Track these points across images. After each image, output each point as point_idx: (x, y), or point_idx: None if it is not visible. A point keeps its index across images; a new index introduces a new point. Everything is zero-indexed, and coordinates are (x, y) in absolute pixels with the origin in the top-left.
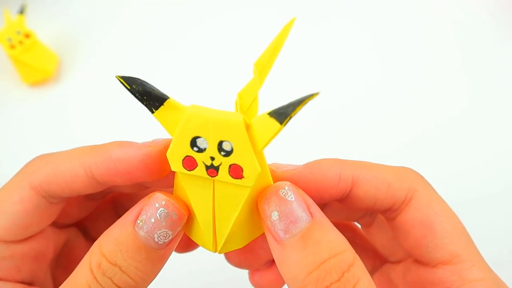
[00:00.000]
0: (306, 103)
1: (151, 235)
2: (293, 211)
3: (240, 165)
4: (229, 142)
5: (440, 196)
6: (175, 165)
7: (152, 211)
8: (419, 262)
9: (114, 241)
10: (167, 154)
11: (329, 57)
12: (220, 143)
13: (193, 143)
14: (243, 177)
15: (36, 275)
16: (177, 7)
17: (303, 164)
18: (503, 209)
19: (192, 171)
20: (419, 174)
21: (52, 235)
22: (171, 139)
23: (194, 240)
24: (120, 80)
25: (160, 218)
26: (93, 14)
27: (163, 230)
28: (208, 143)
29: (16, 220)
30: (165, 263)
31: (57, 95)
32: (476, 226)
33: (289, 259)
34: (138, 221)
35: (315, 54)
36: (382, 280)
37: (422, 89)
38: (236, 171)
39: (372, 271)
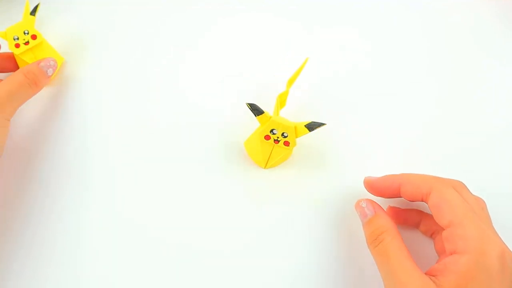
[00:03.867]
0: (320, 127)
1: (45, 69)
2: (364, 210)
3: (289, 141)
4: (287, 133)
5: (450, 189)
6: (261, 138)
7: (46, 61)
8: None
9: (31, 67)
10: (259, 134)
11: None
12: (282, 133)
13: (271, 131)
14: (289, 145)
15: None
16: (180, 8)
17: (380, 177)
18: None
19: (267, 141)
20: (438, 177)
21: None
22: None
23: (255, 162)
24: (248, 106)
25: (49, 63)
26: (100, 15)
27: (50, 69)
28: (278, 132)
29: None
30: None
31: (59, 96)
32: None
33: (364, 229)
34: (40, 64)
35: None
36: (439, 238)
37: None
38: (287, 143)
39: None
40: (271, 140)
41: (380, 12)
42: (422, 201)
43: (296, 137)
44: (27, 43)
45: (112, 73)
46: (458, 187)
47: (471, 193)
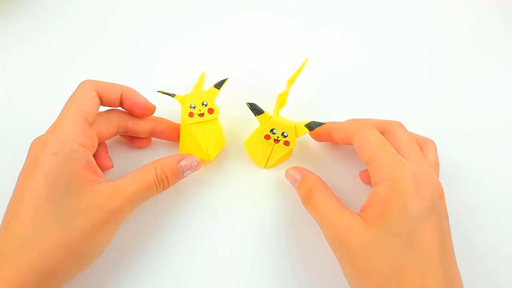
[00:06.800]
0: (320, 126)
1: (183, 170)
2: (293, 176)
3: (289, 141)
4: (287, 132)
5: (369, 129)
6: (261, 138)
7: (190, 160)
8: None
9: (168, 166)
10: (259, 134)
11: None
12: (282, 132)
13: (271, 130)
14: (289, 145)
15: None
16: (180, 8)
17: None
18: None
19: (267, 140)
20: (364, 120)
21: (96, 141)
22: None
23: (255, 161)
24: (248, 105)
25: (192, 164)
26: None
27: (188, 171)
28: (278, 131)
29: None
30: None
31: None
32: None
33: (298, 193)
34: (181, 163)
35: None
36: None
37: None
38: (287, 143)
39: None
40: (271, 140)
41: (380, 12)
42: (350, 144)
43: (296, 136)
44: (201, 115)
45: (114, 74)
46: (392, 126)
47: (407, 131)
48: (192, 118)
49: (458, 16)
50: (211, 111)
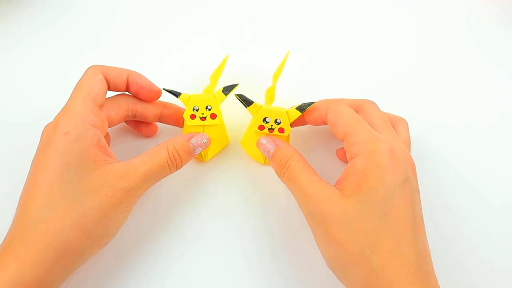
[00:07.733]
0: (310, 105)
1: (194, 148)
2: (266, 146)
3: (284, 127)
4: (279, 119)
5: (342, 106)
6: (255, 129)
7: (199, 137)
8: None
9: (179, 144)
10: (253, 126)
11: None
12: (275, 120)
13: (264, 119)
14: (284, 132)
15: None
16: (178, 11)
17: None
18: None
19: (261, 131)
20: (335, 99)
21: (106, 123)
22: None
23: (254, 159)
24: (237, 97)
25: (201, 141)
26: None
27: (199, 148)
28: (270, 120)
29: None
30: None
31: None
32: None
33: (272, 164)
34: (191, 140)
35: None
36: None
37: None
38: (281, 130)
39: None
40: (266, 130)
41: (379, 11)
42: (324, 123)
43: (289, 121)
44: (203, 118)
45: None
46: (365, 104)
47: (380, 110)
48: (193, 120)
49: (458, 16)
50: (213, 116)
